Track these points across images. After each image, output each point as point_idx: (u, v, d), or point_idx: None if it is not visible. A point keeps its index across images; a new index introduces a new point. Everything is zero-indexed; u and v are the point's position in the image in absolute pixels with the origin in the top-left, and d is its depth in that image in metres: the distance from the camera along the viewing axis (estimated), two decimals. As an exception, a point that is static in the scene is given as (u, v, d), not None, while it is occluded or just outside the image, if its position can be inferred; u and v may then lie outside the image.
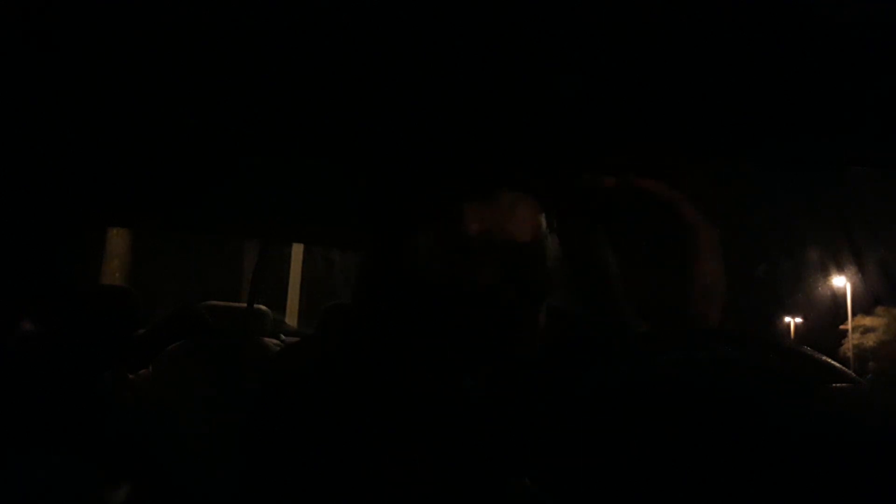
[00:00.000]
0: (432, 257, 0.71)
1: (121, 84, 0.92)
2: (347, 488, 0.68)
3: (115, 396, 1.71)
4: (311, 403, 0.73)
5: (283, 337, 3.08)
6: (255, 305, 2.78)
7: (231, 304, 2.97)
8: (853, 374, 0.69)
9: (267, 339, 2.47)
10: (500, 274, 0.70)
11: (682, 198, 0.78)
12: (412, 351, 0.76)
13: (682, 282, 0.78)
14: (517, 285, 0.71)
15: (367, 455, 0.68)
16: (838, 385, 0.64)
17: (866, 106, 0.84)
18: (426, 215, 0.73)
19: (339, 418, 0.71)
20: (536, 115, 0.88)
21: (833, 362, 0.68)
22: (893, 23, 0.67)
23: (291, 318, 6.14)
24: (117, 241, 6.30)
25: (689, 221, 0.78)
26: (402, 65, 0.80)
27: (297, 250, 6.55)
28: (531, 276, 0.72)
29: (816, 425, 0.56)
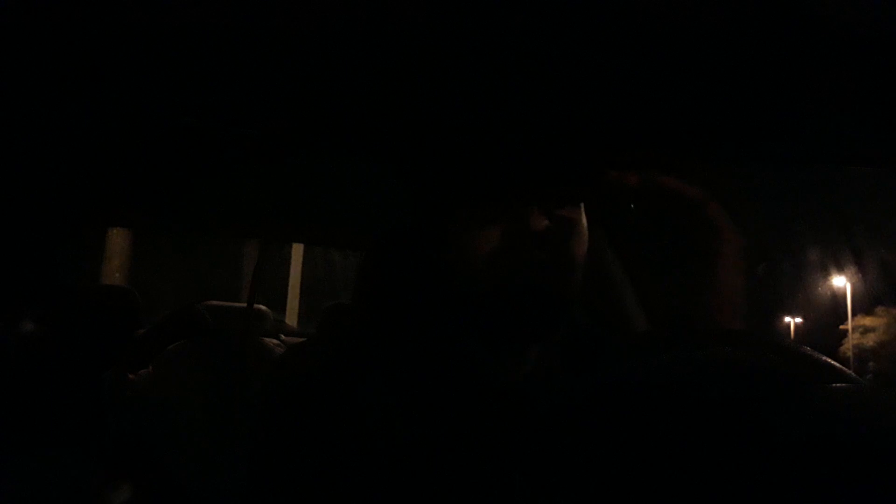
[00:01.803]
0: (479, 255, 0.71)
1: (120, 83, 0.92)
2: (351, 489, 0.68)
3: (115, 396, 1.71)
4: (315, 405, 0.73)
5: (282, 337, 3.08)
6: (255, 305, 2.77)
7: (231, 304, 2.97)
8: (853, 374, 0.68)
9: (267, 339, 2.47)
10: (545, 275, 0.70)
11: (707, 199, 0.77)
12: (413, 351, 0.76)
13: (701, 289, 0.77)
14: (557, 287, 0.71)
15: (370, 456, 0.68)
16: (838, 385, 0.64)
17: (866, 106, 0.84)
18: (482, 214, 0.73)
19: (342, 420, 0.71)
20: (550, 118, 0.88)
21: (833, 362, 0.68)
22: (894, 22, 0.67)
23: (291, 318, 6.14)
24: (117, 241, 6.30)
25: (713, 225, 0.77)
26: (416, 63, 0.79)
27: (297, 250, 6.55)
28: (570, 279, 0.72)
29: (816, 425, 0.56)
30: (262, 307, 2.84)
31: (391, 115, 0.93)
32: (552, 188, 0.73)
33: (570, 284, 0.73)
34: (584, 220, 0.74)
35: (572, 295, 0.74)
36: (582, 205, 0.74)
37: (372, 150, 1.09)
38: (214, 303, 2.82)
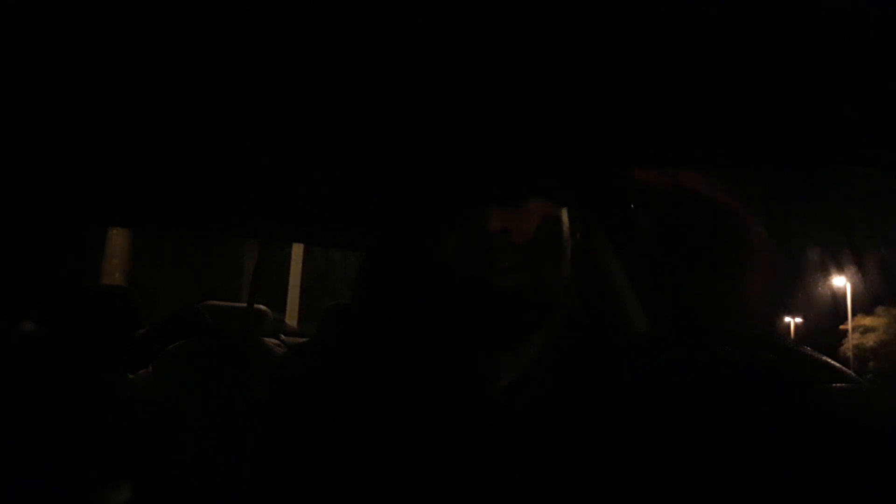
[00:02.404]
0: (451, 256, 0.72)
1: (120, 84, 0.92)
2: (353, 488, 0.68)
3: (115, 396, 1.71)
4: (317, 405, 0.73)
5: (282, 337, 3.09)
6: (255, 305, 2.78)
7: (231, 304, 2.97)
8: (853, 374, 0.68)
9: (267, 339, 2.47)
10: (517, 275, 0.70)
11: (733, 199, 0.77)
12: (413, 351, 0.76)
13: (724, 289, 0.76)
14: (534, 287, 0.71)
15: (371, 456, 0.68)
16: (838, 385, 0.64)
17: (866, 106, 0.84)
18: (444, 216, 0.73)
19: (344, 419, 0.71)
20: (559, 121, 0.88)
21: (833, 362, 0.68)
22: (894, 22, 0.67)
23: (291, 318, 6.14)
24: (117, 241, 6.30)
25: (738, 226, 0.76)
26: (417, 65, 0.79)
27: (297, 250, 6.56)
28: (548, 279, 0.73)
29: (816, 425, 0.56)
30: (262, 307, 2.84)
31: (383, 119, 0.93)
32: (532, 191, 0.74)
33: (551, 282, 0.73)
34: (567, 221, 0.75)
35: (557, 292, 0.74)
36: (565, 206, 0.75)
37: (365, 151, 1.09)
38: (214, 303, 2.82)
